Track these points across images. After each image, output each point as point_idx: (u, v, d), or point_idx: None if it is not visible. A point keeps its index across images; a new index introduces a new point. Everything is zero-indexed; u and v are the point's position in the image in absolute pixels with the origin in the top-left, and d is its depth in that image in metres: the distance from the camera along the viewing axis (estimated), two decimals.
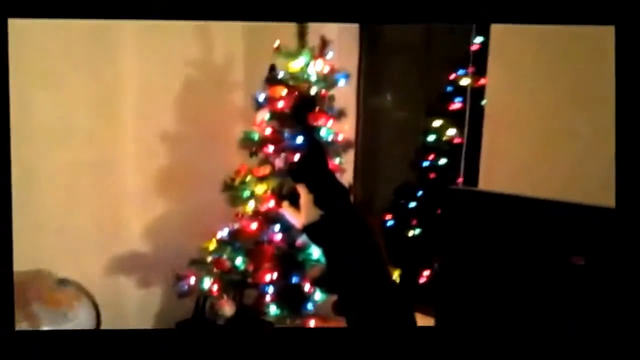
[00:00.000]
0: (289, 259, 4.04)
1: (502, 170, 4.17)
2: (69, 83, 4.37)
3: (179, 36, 4.77)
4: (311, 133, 3.97)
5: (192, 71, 4.91)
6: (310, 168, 3.59)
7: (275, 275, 4.01)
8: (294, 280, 4.01)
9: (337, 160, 4.10)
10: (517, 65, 4.13)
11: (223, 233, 4.16)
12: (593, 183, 3.60)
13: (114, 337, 3.15)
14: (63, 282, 4.15)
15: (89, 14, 2.92)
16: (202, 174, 4.84)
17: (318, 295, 4.03)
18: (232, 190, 4.12)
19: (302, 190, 3.57)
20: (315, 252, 3.98)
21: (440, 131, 4.80)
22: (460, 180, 4.54)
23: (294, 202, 3.76)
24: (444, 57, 4.86)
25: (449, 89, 4.77)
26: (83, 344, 3.00)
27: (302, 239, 4.01)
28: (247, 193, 4.08)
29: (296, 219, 3.71)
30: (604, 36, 3.51)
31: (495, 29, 4.20)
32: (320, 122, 4.02)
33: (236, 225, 4.16)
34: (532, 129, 4.05)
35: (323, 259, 3.68)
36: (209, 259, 4.11)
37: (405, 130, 5.14)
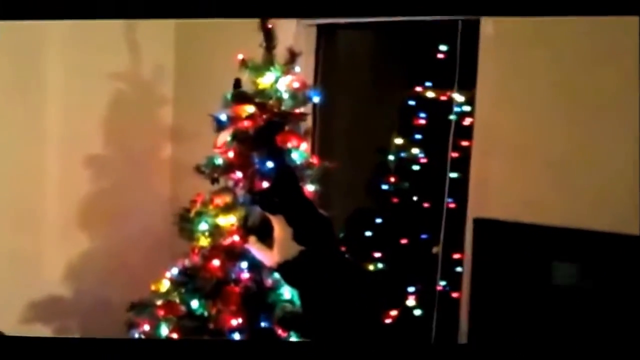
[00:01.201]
0: (258, 301, 4.08)
1: (495, 196, 4.38)
2: None
3: (105, 45, 4.89)
4: (281, 157, 4.06)
5: (118, 85, 5.02)
6: (286, 197, 3.78)
7: (240, 319, 4.02)
8: (264, 324, 4.06)
9: (311, 188, 4.16)
10: (510, 75, 4.31)
11: (173, 272, 4.17)
12: (604, 211, 3.96)
13: (88, 345, 3.24)
14: None
15: (67, 15, 3.31)
16: (131, 202, 4.96)
17: (293, 339, 4.16)
18: (187, 222, 4.18)
19: (276, 222, 3.77)
20: (287, 292, 4.06)
21: (402, 150, 5.08)
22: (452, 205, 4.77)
23: (264, 236, 3.94)
24: (406, 67, 5.16)
25: (412, 102, 5.06)
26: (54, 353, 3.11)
27: (272, 278, 4.05)
28: (204, 225, 4.15)
29: (266, 256, 3.90)
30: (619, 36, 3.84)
31: (486, 30, 4.35)
32: (292, 143, 4.14)
33: (188, 263, 4.17)
34: (529, 149, 4.24)
35: (298, 301, 3.89)
36: (159, 302, 4.13)
37: (363, 149, 5.35)
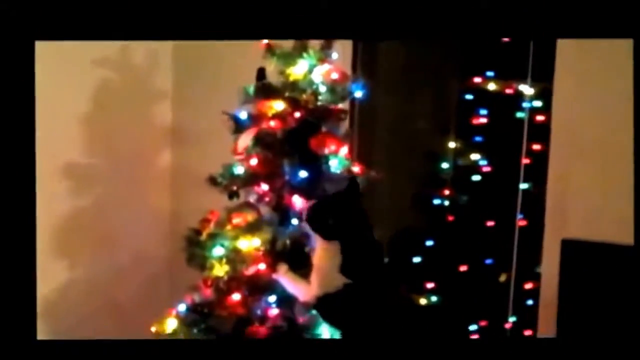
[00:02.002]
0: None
1: (577, 211, 4.29)
2: None
3: None
4: (317, 165, 3.96)
5: (104, 75, 4.99)
6: (349, 217, 3.62)
7: None
8: None
9: None
10: (596, 62, 4.20)
11: (179, 308, 4.06)
12: None
13: (141, 347, 3.34)
14: None
15: (114, 36, 3.56)
16: (121, 222, 4.94)
17: None
18: (197, 247, 4.03)
19: (322, 247, 3.61)
20: (326, 332, 3.91)
21: (458, 156, 4.94)
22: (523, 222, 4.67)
23: (298, 264, 3.80)
24: (463, 53, 5.01)
25: (470, 96, 4.92)
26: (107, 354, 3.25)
27: (307, 315, 3.91)
28: (220, 250, 3.99)
29: (300, 288, 3.76)
30: None
31: None
32: (329, 148, 4.00)
33: (198, 297, 4.06)
34: (619, 152, 4.04)
35: None
36: None
37: (410, 154, 5.22)
